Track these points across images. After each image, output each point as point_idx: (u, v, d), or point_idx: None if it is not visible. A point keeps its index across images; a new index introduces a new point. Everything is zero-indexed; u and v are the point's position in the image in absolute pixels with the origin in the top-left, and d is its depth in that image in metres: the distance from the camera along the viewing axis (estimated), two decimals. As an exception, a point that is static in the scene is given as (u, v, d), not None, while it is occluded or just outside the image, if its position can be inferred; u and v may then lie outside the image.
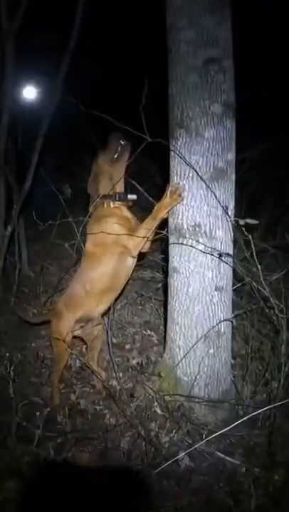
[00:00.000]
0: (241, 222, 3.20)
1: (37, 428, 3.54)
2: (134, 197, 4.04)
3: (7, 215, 5.36)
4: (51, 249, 6.20)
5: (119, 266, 3.89)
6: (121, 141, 3.93)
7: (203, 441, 3.19)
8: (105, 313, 4.27)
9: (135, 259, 3.95)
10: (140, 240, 3.75)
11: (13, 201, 5.42)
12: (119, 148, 3.93)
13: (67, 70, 5.30)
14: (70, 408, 3.87)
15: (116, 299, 4.15)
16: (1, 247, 5.29)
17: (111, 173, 3.96)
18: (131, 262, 3.93)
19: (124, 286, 4.13)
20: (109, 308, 4.18)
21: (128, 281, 4.10)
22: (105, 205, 3.93)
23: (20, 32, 4.96)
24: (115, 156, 3.95)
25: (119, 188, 3.99)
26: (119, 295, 4.26)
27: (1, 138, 5.11)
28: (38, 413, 3.72)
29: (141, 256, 4.00)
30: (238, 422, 3.02)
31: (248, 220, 3.20)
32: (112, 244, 3.83)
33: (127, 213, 3.97)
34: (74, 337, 4.11)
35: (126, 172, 4.01)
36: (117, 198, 3.93)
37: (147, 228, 3.70)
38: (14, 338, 4.75)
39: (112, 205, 3.93)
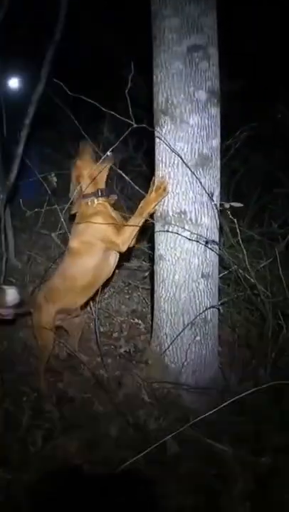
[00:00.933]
0: (226, 205, 3.24)
1: (24, 415, 3.54)
2: (114, 196, 4.08)
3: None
4: (38, 239, 6.19)
5: (102, 263, 3.88)
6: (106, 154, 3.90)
7: (188, 425, 3.19)
8: (85, 305, 4.32)
9: (117, 256, 3.95)
10: (128, 236, 3.72)
11: (-2, 191, 5.40)
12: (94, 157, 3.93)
13: (53, 58, 5.28)
14: (57, 396, 3.86)
15: (101, 290, 4.13)
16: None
17: (91, 174, 3.91)
18: (114, 259, 3.93)
19: (108, 280, 4.14)
20: (88, 301, 4.22)
21: (114, 271, 4.09)
22: (89, 203, 3.90)
23: (4, 21, 4.94)
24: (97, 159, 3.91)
25: (101, 185, 3.96)
26: (104, 285, 4.26)
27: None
28: (24, 399, 3.73)
29: (126, 251, 3.92)
30: (223, 405, 3.05)
31: (233, 204, 3.23)
32: (96, 242, 3.82)
33: (111, 210, 3.94)
34: (56, 327, 4.13)
35: (108, 173, 4.02)
36: (100, 194, 3.90)
37: (135, 224, 3.68)
38: (1, 328, 4.73)
39: (96, 202, 3.89)
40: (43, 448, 3.34)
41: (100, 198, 3.89)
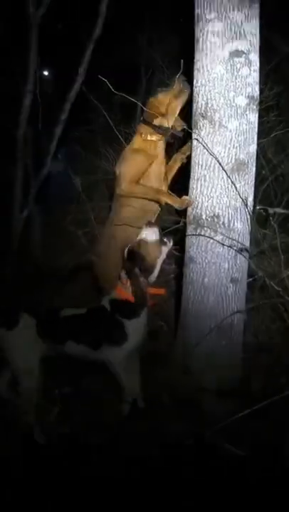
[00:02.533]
0: (270, 210, 3.20)
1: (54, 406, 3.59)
2: (179, 134, 4.10)
3: (24, 199, 5.39)
4: (64, 235, 6.22)
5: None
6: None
7: (210, 432, 3.20)
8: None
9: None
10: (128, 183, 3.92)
11: (30, 186, 5.44)
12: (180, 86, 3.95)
13: (91, 57, 5.33)
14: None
15: None
16: (16, 231, 5.31)
17: (167, 107, 3.97)
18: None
19: None
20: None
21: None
22: (142, 136, 4.00)
23: (44, 17, 5.00)
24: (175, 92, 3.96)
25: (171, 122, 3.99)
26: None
27: (21, 121, 5.14)
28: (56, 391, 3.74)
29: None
30: (244, 413, 3.03)
31: (277, 210, 3.21)
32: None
33: (157, 150, 4.01)
34: None
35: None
36: (156, 129, 3.96)
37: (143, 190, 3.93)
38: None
39: (148, 137, 3.98)
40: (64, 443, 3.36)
41: (154, 136, 3.98)
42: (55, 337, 3.54)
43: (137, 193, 3.95)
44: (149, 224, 3.53)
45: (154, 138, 3.98)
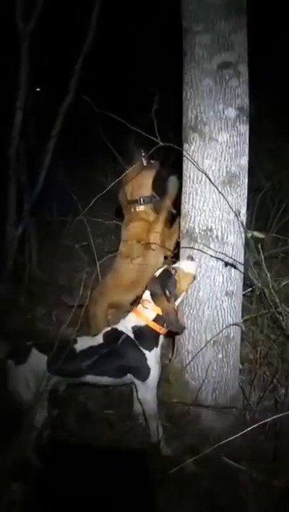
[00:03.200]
0: (249, 234, 3.25)
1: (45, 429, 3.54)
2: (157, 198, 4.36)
3: (18, 215, 5.38)
4: (61, 249, 6.21)
5: (144, 263, 4.21)
6: (150, 161, 4.32)
7: (210, 449, 3.16)
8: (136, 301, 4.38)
9: (160, 257, 4.23)
10: (158, 233, 4.14)
11: (24, 202, 5.43)
12: (144, 163, 4.29)
13: (81, 71, 5.33)
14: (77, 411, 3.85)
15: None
16: (12, 247, 5.30)
17: (138, 182, 4.30)
18: (154, 258, 4.19)
19: None
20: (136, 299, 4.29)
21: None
22: (132, 210, 4.28)
23: (34, 32, 5.00)
24: (142, 167, 4.29)
25: (147, 191, 4.32)
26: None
27: (13, 138, 5.13)
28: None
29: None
30: (245, 431, 2.99)
31: (256, 233, 3.23)
32: (137, 245, 4.16)
33: (151, 215, 4.29)
34: None
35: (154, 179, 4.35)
36: (142, 202, 4.27)
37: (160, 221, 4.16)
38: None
39: (137, 209, 4.27)
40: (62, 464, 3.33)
41: (141, 206, 4.27)
42: (71, 373, 3.49)
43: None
44: (191, 257, 3.61)
45: (142, 208, 4.31)
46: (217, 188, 3.43)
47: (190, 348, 3.75)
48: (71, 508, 3.06)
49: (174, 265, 3.51)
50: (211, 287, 3.60)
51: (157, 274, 3.48)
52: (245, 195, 3.60)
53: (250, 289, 3.99)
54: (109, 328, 3.61)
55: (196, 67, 3.45)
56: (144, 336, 3.47)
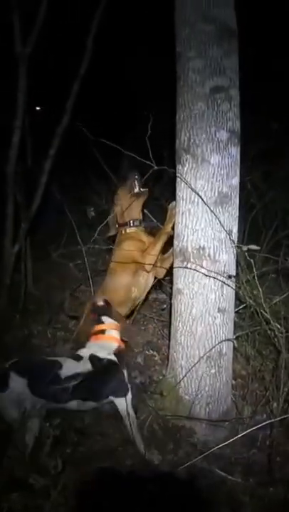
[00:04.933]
0: (244, 248, 3.34)
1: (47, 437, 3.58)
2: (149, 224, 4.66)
3: (15, 233, 5.44)
4: (56, 268, 6.29)
5: (133, 283, 4.41)
6: (140, 189, 4.48)
7: (200, 457, 3.22)
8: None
9: (150, 279, 4.44)
10: (153, 255, 4.22)
11: (20, 220, 5.50)
12: (136, 189, 4.46)
13: (78, 94, 5.43)
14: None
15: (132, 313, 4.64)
16: (8, 265, 5.36)
17: (129, 205, 4.47)
18: (144, 280, 4.41)
19: (142, 303, 4.68)
20: (126, 317, 4.60)
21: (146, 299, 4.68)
22: (123, 232, 4.46)
23: (32, 55, 5.10)
24: (133, 191, 4.46)
25: (137, 215, 4.52)
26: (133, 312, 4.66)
27: (11, 157, 5.21)
28: (47, 424, 3.76)
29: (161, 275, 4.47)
30: (235, 438, 3.07)
31: (251, 246, 3.32)
32: (127, 264, 4.30)
33: (142, 236, 4.46)
34: None
35: (143, 204, 4.56)
36: (132, 224, 4.46)
37: (156, 247, 4.23)
38: (22, 354, 4.79)
39: (128, 231, 4.45)
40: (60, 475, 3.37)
41: (132, 228, 4.45)
42: (55, 398, 3.50)
43: None
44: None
45: (132, 230, 4.52)
46: (209, 208, 3.52)
47: (183, 364, 3.81)
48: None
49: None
50: (204, 304, 3.67)
51: (100, 302, 3.96)
52: (237, 214, 3.69)
53: (242, 306, 4.08)
54: (92, 354, 3.69)
55: (188, 91, 3.56)
56: (122, 356, 3.70)
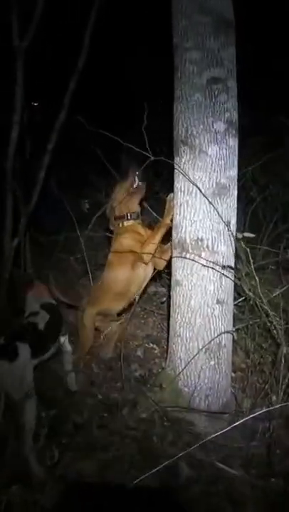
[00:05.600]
0: (239, 235, 3.34)
1: (43, 428, 3.60)
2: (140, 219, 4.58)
3: (14, 228, 5.44)
4: (56, 263, 6.28)
5: (132, 275, 4.40)
6: (138, 181, 4.45)
7: (195, 446, 3.20)
8: (123, 313, 4.79)
9: (149, 271, 4.41)
10: (150, 249, 4.18)
11: (20, 214, 5.50)
12: (135, 184, 4.45)
13: (76, 87, 5.43)
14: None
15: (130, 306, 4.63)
16: (8, 259, 5.36)
17: (127, 199, 4.45)
18: (143, 272, 4.39)
19: (140, 296, 4.69)
20: (125, 309, 4.71)
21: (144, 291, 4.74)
22: (120, 225, 4.44)
23: (30, 49, 5.09)
24: (133, 186, 4.45)
25: (134, 208, 4.51)
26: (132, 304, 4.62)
27: (9, 152, 5.20)
28: (43, 414, 3.77)
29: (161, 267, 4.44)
30: (231, 426, 3.06)
31: (246, 234, 3.32)
32: (125, 255, 4.32)
33: (140, 229, 4.44)
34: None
35: (141, 198, 4.56)
36: (129, 217, 4.43)
37: (155, 238, 4.19)
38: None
39: (125, 224, 4.43)
40: (57, 466, 3.37)
41: (129, 221, 4.44)
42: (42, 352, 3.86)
43: None
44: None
45: (129, 223, 4.49)
46: (207, 199, 3.52)
47: (182, 356, 3.81)
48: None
49: None
50: (202, 296, 3.67)
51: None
52: (235, 205, 3.69)
53: (242, 299, 4.07)
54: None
55: (186, 83, 3.56)
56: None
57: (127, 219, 4.47)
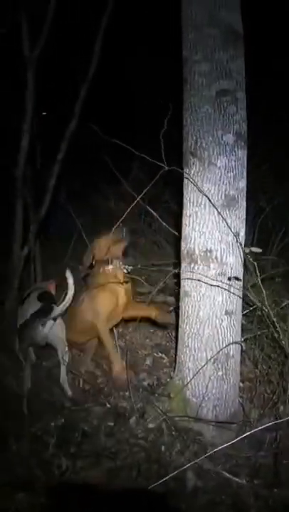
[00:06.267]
0: (246, 250, 3.34)
1: (51, 437, 3.64)
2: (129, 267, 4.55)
3: (24, 236, 5.47)
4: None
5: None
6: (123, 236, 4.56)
7: (204, 456, 3.22)
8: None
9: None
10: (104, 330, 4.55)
11: (30, 222, 5.53)
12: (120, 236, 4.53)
13: (87, 96, 5.47)
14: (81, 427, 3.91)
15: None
16: (17, 268, 5.39)
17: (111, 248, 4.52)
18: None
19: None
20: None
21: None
22: (101, 269, 4.54)
23: (40, 59, 5.13)
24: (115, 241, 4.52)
25: (118, 254, 4.60)
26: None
27: (20, 160, 5.24)
28: (52, 424, 3.80)
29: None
30: (238, 438, 3.05)
31: (253, 249, 3.33)
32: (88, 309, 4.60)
33: (120, 275, 4.56)
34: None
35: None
36: (111, 263, 4.50)
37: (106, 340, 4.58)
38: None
39: (106, 269, 4.55)
40: (65, 475, 3.39)
41: (111, 266, 4.50)
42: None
43: None
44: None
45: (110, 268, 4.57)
46: (217, 210, 3.53)
47: (190, 366, 3.81)
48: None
49: None
50: (211, 307, 3.67)
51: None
52: (244, 217, 3.69)
53: (250, 309, 4.08)
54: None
55: (195, 95, 3.58)
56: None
57: (110, 263, 4.53)
